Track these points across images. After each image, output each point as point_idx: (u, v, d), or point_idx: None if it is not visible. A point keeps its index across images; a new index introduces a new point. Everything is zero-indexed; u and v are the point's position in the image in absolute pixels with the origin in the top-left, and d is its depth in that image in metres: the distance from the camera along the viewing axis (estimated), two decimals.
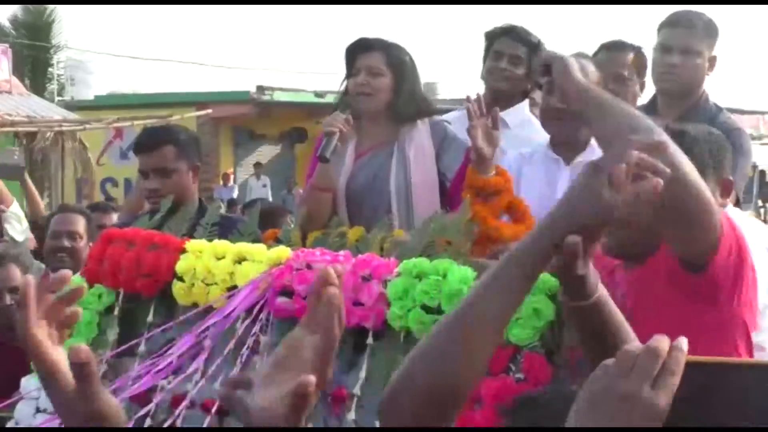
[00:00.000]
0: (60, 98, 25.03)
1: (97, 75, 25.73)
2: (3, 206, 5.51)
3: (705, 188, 2.06)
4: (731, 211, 2.73)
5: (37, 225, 5.74)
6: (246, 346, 2.81)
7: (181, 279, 2.99)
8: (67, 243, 4.67)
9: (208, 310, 2.92)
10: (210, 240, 3.08)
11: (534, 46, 3.94)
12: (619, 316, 1.59)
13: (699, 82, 3.73)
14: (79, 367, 1.17)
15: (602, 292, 1.57)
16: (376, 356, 2.64)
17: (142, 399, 2.86)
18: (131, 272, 3.05)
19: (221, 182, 20.61)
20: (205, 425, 2.77)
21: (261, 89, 21.50)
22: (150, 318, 3.03)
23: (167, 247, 3.06)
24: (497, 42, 4.00)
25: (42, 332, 1.23)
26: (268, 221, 4.62)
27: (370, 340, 2.64)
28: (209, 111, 18.13)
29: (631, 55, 4.26)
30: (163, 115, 15.46)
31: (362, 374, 2.63)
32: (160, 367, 2.84)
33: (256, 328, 2.83)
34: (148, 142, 3.78)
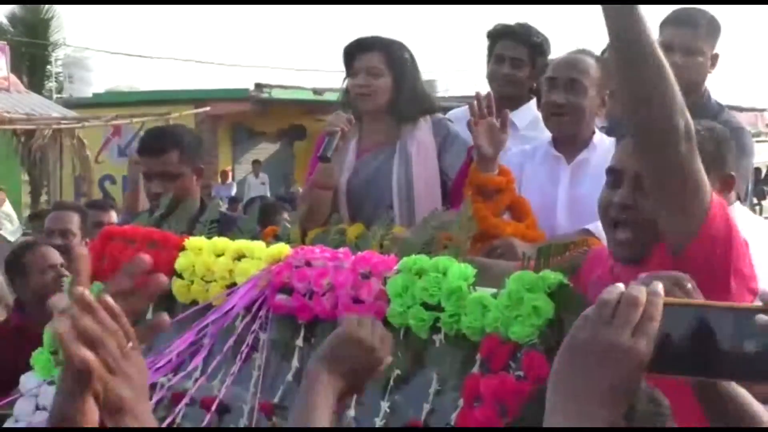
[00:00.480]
0: (58, 96, 25.03)
1: (95, 72, 25.76)
2: None
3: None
4: (735, 207, 2.74)
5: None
6: (245, 344, 2.81)
7: (180, 276, 2.99)
8: (59, 241, 4.69)
9: (208, 307, 2.92)
10: (209, 237, 3.08)
11: (536, 46, 3.90)
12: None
13: (701, 81, 3.71)
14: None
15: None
16: None
17: None
18: None
19: (220, 180, 20.60)
20: (204, 423, 2.78)
21: (259, 87, 21.50)
22: (149, 315, 3.03)
23: (167, 244, 3.06)
24: (498, 44, 3.94)
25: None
26: (265, 218, 4.64)
27: None
28: (208, 108, 18.15)
29: None
30: (162, 112, 15.47)
31: None
32: (159, 364, 2.84)
33: (255, 326, 2.83)
34: (153, 146, 3.76)
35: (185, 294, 2.98)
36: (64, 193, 15.95)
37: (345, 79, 3.55)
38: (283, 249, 2.90)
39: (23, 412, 3.05)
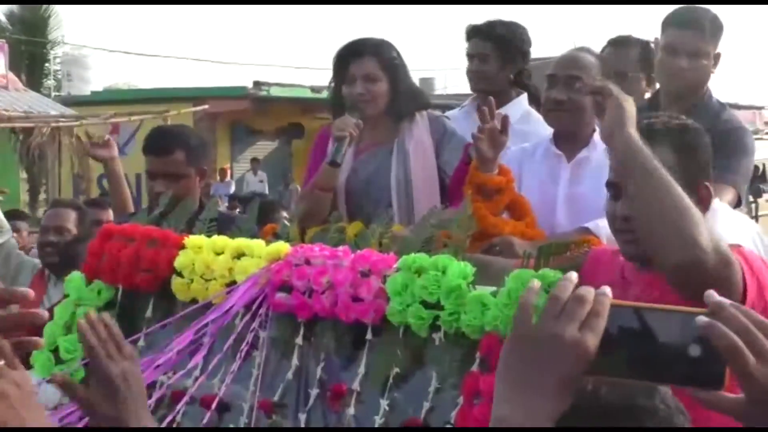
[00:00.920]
0: (57, 94, 25.02)
1: (93, 70, 25.80)
2: None
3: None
4: (718, 206, 2.73)
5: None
6: (245, 342, 2.81)
7: (180, 275, 2.99)
8: (53, 238, 4.69)
9: (207, 305, 2.92)
10: (209, 236, 3.08)
11: (501, 38, 4.07)
12: None
13: (704, 82, 3.69)
14: None
15: None
16: (375, 352, 2.64)
17: None
18: (130, 268, 3.05)
19: (218, 178, 20.61)
20: (204, 421, 2.78)
21: (258, 85, 21.51)
22: (149, 314, 3.04)
23: (166, 242, 3.06)
24: (468, 45, 4.17)
25: None
26: (264, 216, 4.64)
27: (369, 336, 2.65)
28: (206, 106, 18.14)
29: (636, 51, 4.26)
30: (160, 110, 15.47)
31: (361, 370, 2.64)
32: (159, 362, 2.84)
33: (255, 324, 2.83)
34: (159, 145, 3.75)
35: (185, 292, 2.98)
36: (62, 191, 15.95)
37: (332, 82, 3.56)
38: (282, 247, 2.90)
39: None
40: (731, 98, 17.66)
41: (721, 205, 2.87)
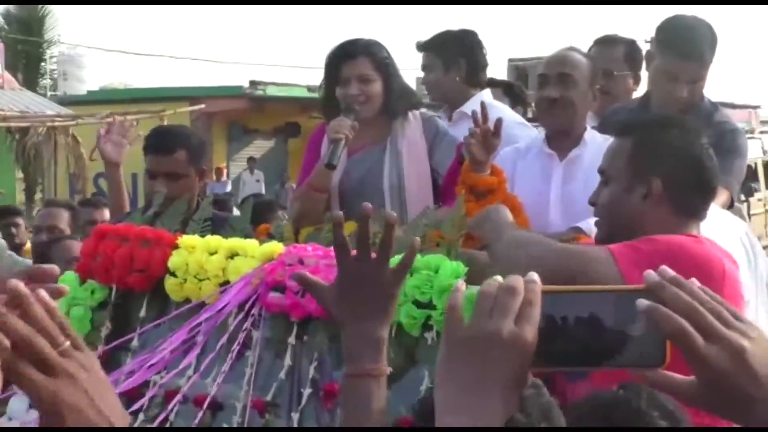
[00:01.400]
0: (53, 93, 25.01)
1: (89, 70, 25.76)
2: None
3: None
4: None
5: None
6: (238, 341, 2.82)
7: (173, 274, 3.00)
8: (46, 238, 4.69)
9: (201, 305, 2.93)
10: (202, 235, 3.09)
11: (436, 45, 4.21)
12: None
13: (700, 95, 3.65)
14: None
15: None
16: None
17: (134, 394, 2.86)
18: (124, 268, 3.05)
19: (214, 177, 20.60)
20: (197, 420, 2.78)
21: (254, 84, 21.50)
22: (142, 313, 3.04)
23: (160, 242, 3.06)
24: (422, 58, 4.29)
25: None
26: (260, 216, 4.64)
27: None
28: (202, 106, 18.14)
29: (622, 50, 4.27)
30: (156, 110, 15.47)
31: None
32: (152, 362, 2.85)
33: (248, 324, 2.84)
34: (161, 145, 3.75)
35: (178, 292, 2.99)
36: (58, 190, 15.95)
37: (323, 84, 3.56)
38: (275, 247, 2.91)
39: (17, 410, 3.05)
40: (727, 97, 17.68)
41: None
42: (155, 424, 2.78)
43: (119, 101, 19.29)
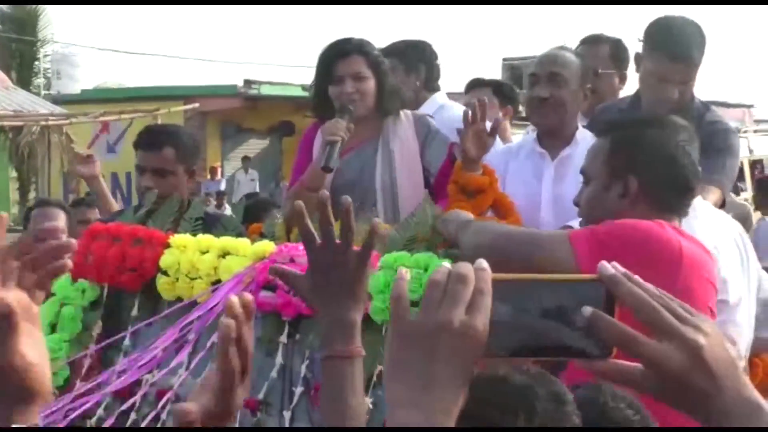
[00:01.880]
0: (47, 92, 24.97)
1: (83, 69, 25.68)
2: None
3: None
4: (700, 206, 2.75)
5: None
6: None
7: (165, 273, 3.00)
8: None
9: (192, 304, 2.93)
10: (194, 235, 3.09)
11: (399, 52, 4.32)
12: None
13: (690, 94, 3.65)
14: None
15: None
16: None
17: (126, 393, 2.87)
18: (116, 267, 3.06)
19: (209, 176, 20.59)
20: None
21: (248, 83, 21.48)
22: (134, 312, 3.04)
23: (152, 241, 3.07)
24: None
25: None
26: (255, 215, 4.64)
27: None
28: (196, 105, 18.13)
29: (607, 49, 4.28)
30: (150, 109, 15.46)
31: None
32: (144, 361, 2.85)
33: None
34: (150, 141, 3.78)
35: (170, 291, 2.99)
36: (52, 189, 15.93)
37: (314, 84, 3.55)
38: (267, 246, 2.92)
39: None
40: (721, 97, 17.73)
41: (702, 204, 2.88)
42: (147, 423, 2.78)
43: (113, 100, 19.27)
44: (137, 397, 2.81)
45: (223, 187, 19.66)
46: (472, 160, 3.11)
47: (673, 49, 3.47)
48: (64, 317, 3.04)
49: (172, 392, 2.83)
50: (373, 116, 3.49)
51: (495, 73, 15.04)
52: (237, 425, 2.71)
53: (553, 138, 3.40)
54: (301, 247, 2.85)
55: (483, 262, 1.08)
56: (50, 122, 15.62)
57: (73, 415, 2.82)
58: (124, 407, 2.82)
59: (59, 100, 21.18)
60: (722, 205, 3.43)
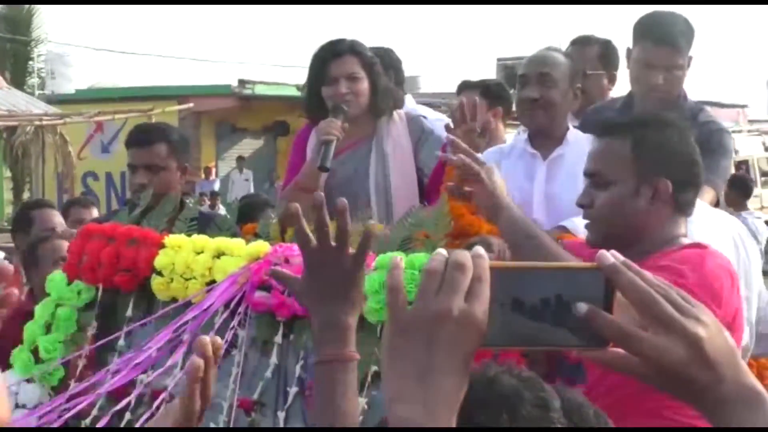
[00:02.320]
0: (41, 92, 24.92)
1: (77, 68, 25.62)
2: None
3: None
4: (697, 205, 2.76)
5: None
6: (224, 341, 2.82)
7: (160, 274, 3.00)
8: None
9: (187, 304, 2.94)
10: (189, 235, 3.09)
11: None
12: None
13: (679, 89, 3.67)
14: None
15: None
16: None
17: (121, 393, 2.87)
18: (110, 267, 3.06)
19: (203, 176, 20.57)
20: None
21: (242, 83, 21.47)
22: (129, 313, 3.05)
23: (146, 242, 3.07)
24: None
25: None
26: (250, 215, 4.64)
27: None
28: (191, 105, 18.12)
29: (596, 49, 4.29)
30: (145, 108, 15.43)
31: None
32: (138, 361, 2.85)
33: (234, 322, 2.85)
34: (141, 137, 3.80)
35: (164, 291, 3.00)
36: (46, 189, 15.91)
37: (306, 85, 3.56)
38: (262, 247, 2.92)
39: (29, 398, 3.04)
40: (714, 97, 17.78)
41: (699, 203, 2.89)
42: (141, 424, 2.78)
43: (107, 100, 19.24)
44: (132, 398, 2.82)
45: (217, 187, 19.65)
46: None
47: (657, 34, 3.52)
48: (59, 318, 3.05)
49: (166, 392, 2.83)
50: (366, 116, 3.49)
51: (489, 72, 15.05)
52: (231, 425, 2.73)
53: (544, 138, 3.41)
54: (295, 247, 2.87)
55: (481, 250, 1.06)
56: (44, 122, 15.59)
57: (67, 416, 2.83)
58: (118, 407, 2.83)
59: (53, 99, 21.15)
60: (716, 205, 3.45)
